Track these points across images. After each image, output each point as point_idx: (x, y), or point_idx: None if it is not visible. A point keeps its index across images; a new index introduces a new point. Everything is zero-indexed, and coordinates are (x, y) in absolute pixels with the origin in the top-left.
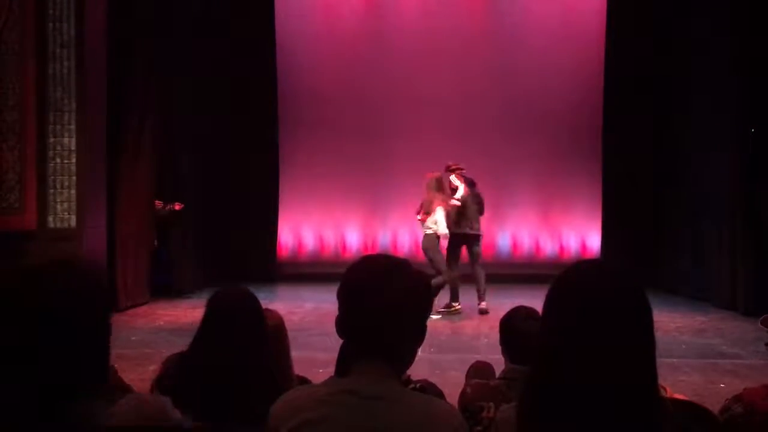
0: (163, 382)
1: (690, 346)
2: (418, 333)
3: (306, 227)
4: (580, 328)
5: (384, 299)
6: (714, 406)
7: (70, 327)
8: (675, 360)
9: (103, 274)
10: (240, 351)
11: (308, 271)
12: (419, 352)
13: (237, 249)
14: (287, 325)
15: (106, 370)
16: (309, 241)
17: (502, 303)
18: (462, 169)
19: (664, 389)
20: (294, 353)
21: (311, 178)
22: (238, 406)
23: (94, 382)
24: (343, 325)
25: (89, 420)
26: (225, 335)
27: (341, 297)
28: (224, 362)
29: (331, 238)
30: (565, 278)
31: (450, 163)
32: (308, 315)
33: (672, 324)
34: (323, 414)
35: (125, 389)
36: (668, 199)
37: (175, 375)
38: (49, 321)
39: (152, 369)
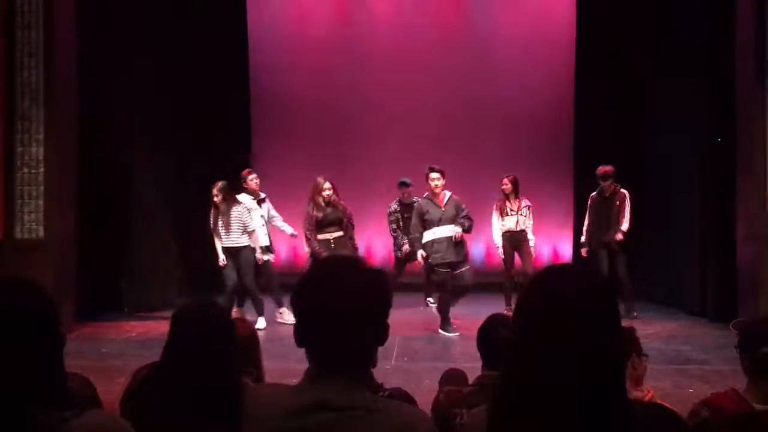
0: (131, 394)
1: (659, 352)
2: (378, 331)
3: (278, 236)
4: (548, 329)
5: (339, 301)
6: (683, 411)
7: (12, 343)
8: None
9: (40, 289)
10: (209, 364)
11: (281, 281)
12: (392, 362)
13: (207, 259)
14: (260, 335)
15: (60, 382)
16: (282, 250)
17: (477, 311)
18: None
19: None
20: (266, 363)
21: (282, 186)
22: (206, 417)
23: (47, 393)
24: (300, 333)
25: (45, 430)
26: (191, 349)
27: (296, 304)
28: (193, 375)
29: (304, 247)
30: (535, 280)
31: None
32: (281, 325)
33: (642, 330)
34: (292, 427)
35: (95, 403)
36: (639, 205)
37: (145, 387)
38: None
39: (121, 381)
